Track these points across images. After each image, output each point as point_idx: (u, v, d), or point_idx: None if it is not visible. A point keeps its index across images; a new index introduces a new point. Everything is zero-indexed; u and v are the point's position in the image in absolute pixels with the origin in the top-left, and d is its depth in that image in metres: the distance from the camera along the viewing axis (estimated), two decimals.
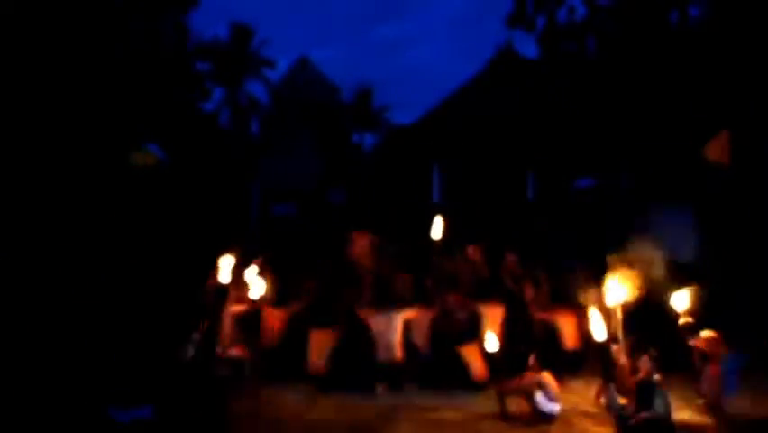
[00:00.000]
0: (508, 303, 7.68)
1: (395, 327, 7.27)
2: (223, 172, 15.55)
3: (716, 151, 9.95)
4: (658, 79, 11.50)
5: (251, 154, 22.35)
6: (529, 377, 6.25)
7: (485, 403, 6.61)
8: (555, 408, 6.17)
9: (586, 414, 6.28)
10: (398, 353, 7.24)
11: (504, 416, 6.19)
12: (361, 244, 8.46)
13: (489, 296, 7.76)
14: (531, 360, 6.34)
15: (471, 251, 8.30)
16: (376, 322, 7.30)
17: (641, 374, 5.79)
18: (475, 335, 7.29)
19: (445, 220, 8.23)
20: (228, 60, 28.05)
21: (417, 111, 20.53)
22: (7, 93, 10.50)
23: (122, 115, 12.27)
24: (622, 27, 12.42)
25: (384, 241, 8.65)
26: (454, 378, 7.12)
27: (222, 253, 7.33)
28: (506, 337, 7.05)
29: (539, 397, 6.14)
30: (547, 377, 6.28)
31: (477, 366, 7.18)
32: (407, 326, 7.44)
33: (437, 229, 8.20)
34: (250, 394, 6.74)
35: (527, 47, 15.92)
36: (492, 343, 6.57)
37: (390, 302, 7.53)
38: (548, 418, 6.11)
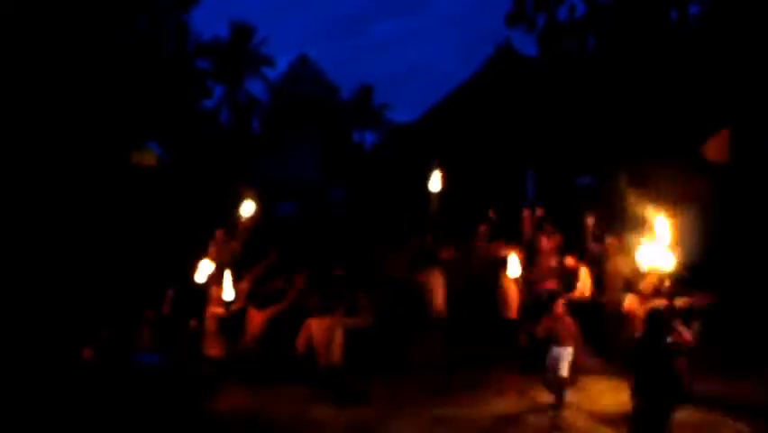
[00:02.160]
0: (526, 251, 7.98)
1: (335, 334, 6.88)
2: (220, 171, 15.57)
3: (715, 149, 9.98)
4: (658, 78, 11.53)
5: (249, 152, 22.37)
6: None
7: (486, 400, 6.67)
8: (568, 350, 6.33)
9: (590, 414, 6.25)
10: (337, 357, 6.86)
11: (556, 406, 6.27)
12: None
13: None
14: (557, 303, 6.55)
15: (482, 229, 8.55)
16: (319, 328, 6.92)
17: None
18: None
19: (443, 173, 8.32)
20: (228, 59, 28.09)
21: (417, 109, 20.60)
22: (10, 91, 10.52)
23: (123, 113, 12.30)
24: (622, 25, 12.45)
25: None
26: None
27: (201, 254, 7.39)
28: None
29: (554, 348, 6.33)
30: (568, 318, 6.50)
31: (512, 295, 7.53)
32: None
33: (435, 182, 8.27)
34: (241, 394, 6.76)
35: (527, 45, 15.96)
36: (514, 267, 6.91)
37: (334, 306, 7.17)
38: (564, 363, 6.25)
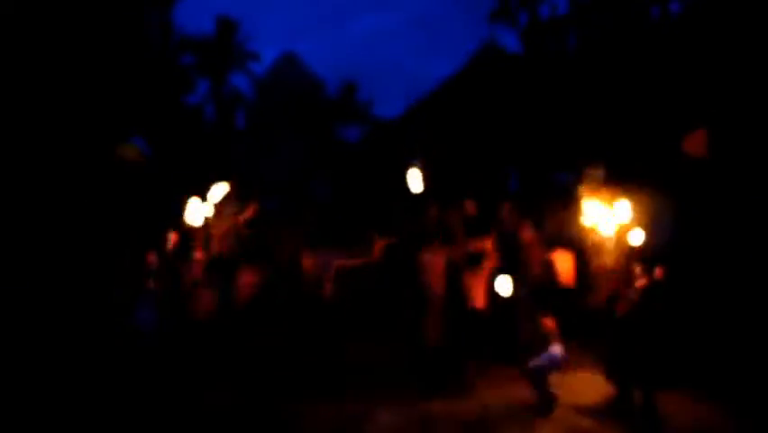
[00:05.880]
0: (505, 246, 7.91)
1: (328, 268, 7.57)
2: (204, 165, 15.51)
3: (693, 145, 10.11)
4: (638, 74, 11.67)
5: (234, 147, 22.32)
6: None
7: (471, 392, 6.76)
8: (559, 351, 6.28)
9: (576, 408, 6.32)
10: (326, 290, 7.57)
11: (547, 403, 6.23)
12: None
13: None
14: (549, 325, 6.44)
15: (468, 205, 8.50)
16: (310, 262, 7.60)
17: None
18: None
19: (423, 172, 8.19)
20: (213, 53, 27.90)
21: (401, 104, 20.63)
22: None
23: (107, 109, 12.24)
24: (603, 23, 12.58)
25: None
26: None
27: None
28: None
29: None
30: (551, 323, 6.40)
31: (479, 295, 7.44)
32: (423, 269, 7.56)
33: (416, 182, 8.10)
34: (226, 389, 6.75)
35: (511, 40, 16.06)
36: (505, 286, 6.74)
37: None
38: (557, 365, 6.25)
